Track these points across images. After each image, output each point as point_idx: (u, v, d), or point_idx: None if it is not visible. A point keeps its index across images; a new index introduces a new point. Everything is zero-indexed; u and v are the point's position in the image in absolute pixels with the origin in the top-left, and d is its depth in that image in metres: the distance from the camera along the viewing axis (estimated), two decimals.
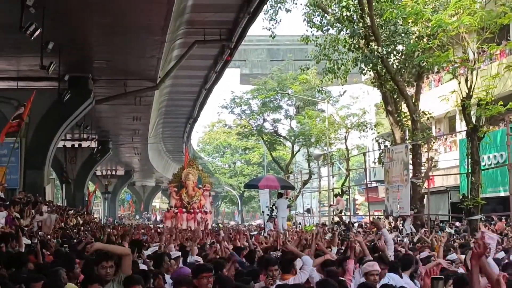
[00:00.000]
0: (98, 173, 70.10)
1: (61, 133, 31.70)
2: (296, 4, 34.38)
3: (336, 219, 34.40)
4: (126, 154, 61.15)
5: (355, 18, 26.58)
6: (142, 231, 25.81)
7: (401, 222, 26.50)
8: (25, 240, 13.66)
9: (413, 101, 27.80)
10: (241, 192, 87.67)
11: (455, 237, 21.16)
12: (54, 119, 29.65)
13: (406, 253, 12.02)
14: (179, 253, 11.68)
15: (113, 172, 74.71)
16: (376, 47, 25.26)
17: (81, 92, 29.51)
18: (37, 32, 19.41)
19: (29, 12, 18.48)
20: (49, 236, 17.18)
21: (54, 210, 26.04)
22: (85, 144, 44.25)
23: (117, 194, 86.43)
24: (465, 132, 23.32)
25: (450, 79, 28.96)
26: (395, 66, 27.22)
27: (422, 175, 27.20)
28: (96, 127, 42.39)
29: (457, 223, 27.86)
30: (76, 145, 44.24)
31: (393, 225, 28.36)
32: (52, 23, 20.56)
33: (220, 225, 46.08)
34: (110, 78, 30.79)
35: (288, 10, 31.67)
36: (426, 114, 28.67)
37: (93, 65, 28.97)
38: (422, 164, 27.89)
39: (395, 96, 28.49)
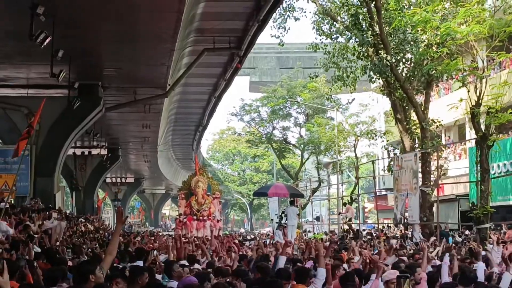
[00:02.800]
0: (108, 180, 70.25)
1: (71, 141, 31.81)
2: (305, 12, 34.40)
3: (346, 227, 34.37)
4: (135, 161, 61.28)
5: (364, 26, 26.59)
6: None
7: (410, 230, 26.46)
8: (36, 248, 13.71)
9: (422, 109, 27.74)
10: (250, 199, 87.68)
11: (461, 245, 21.13)
12: (64, 127, 29.77)
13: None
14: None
15: (123, 180, 74.83)
16: (385, 55, 25.25)
17: (91, 99, 29.60)
18: (47, 40, 19.52)
19: (39, 20, 18.58)
20: (58, 243, 17.21)
21: (63, 217, 26.15)
22: (95, 151, 44.43)
23: (127, 202, 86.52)
24: (474, 140, 23.26)
25: (460, 87, 28.89)
26: (404, 74, 27.18)
27: (432, 183, 27.13)
28: (105, 135, 42.51)
29: (467, 232, 27.78)
30: (86, 153, 44.45)
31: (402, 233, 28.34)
32: (62, 31, 20.65)
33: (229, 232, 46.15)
34: (120, 86, 30.89)
35: (296, 19, 31.68)
36: (436, 122, 28.61)
37: (103, 72, 29.06)
38: (432, 172, 27.82)
39: (404, 104, 28.44)
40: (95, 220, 37.48)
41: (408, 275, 6.59)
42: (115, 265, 10.36)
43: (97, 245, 19.50)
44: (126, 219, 8.15)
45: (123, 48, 25.23)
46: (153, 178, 77.52)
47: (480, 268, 10.76)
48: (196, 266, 11.88)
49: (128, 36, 23.44)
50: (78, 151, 44.22)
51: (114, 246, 8.05)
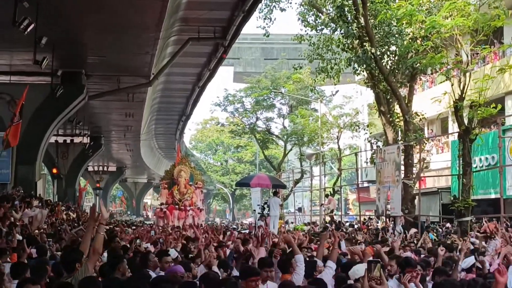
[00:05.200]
0: (90, 169, 70.03)
1: (53, 128, 31.62)
2: (290, 3, 34.32)
3: (328, 218, 34.48)
4: (118, 150, 61.12)
5: (349, 18, 26.60)
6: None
7: (392, 222, 26.59)
8: (17, 236, 13.67)
9: (406, 102, 27.81)
10: (232, 190, 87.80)
11: (440, 239, 21.26)
12: (46, 114, 29.57)
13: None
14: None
15: (105, 168, 74.66)
16: (369, 47, 25.26)
17: (74, 87, 29.46)
18: (31, 27, 19.38)
19: (22, 7, 18.45)
20: (36, 231, 17.14)
21: (45, 205, 26.01)
22: (77, 139, 44.20)
23: (109, 190, 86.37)
24: (457, 133, 23.36)
25: (443, 81, 29.01)
26: (388, 67, 27.21)
27: (414, 176, 27.22)
28: (88, 123, 42.35)
29: (448, 224, 27.95)
30: (68, 141, 44.20)
31: (384, 225, 28.47)
32: (46, 18, 20.51)
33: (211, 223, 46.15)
34: (103, 74, 30.75)
35: (282, 9, 31.61)
36: (419, 115, 28.70)
37: (86, 60, 28.92)
38: (414, 165, 27.92)
39: (388, 97, 28.49)
40: (74, 208, 37.30)
41: (379, 260, 6.60)
42: None
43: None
44: (99, 216, 7.50)
45: (107, 36, 25.09)
46: (135, 167, 77.38)
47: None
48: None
49: (112, 24, 23.32)
50: (60, 139, 43.96)
51: (99, 243, 7.45)
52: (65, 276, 7.41)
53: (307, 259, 10.17)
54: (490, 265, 11.06)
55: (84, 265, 7.15)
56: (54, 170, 47.22)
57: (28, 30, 19.38)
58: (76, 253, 7.69)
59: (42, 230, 17.57)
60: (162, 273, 9.33)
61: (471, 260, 11.09)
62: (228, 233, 20.69)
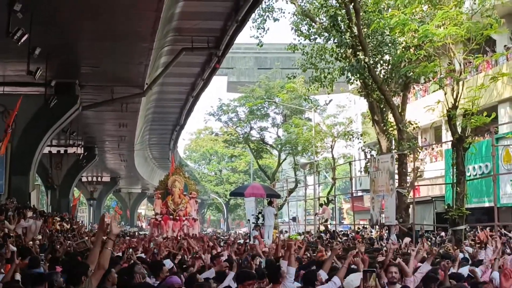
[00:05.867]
0: (84, 179, 69.84)
1: (47, 139, 31.56)
2: (284, 13, 34.43)
3: (322, 227, 34.45)
4: (112, 160, 60.99)
5: (342, 27, 26.68)
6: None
7: (387, 231, 26.59)
8: (11, 247, 13.62)
9: (399, 111, 27.89)
10: (227, 199, 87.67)
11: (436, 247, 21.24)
12: (40, 125, 29.52)
13: None
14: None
15: (99, 179, 74.46)
16: (363, 57, 25.33)
17: (67, 98, 29.41)
18: (25, 37, 19.36)
19: (16, 17, 18.43)
20: (31, 243, 17.09)
21: (39, 216, 25.94)
22: (71, 150, 44.11)
23: (103, 201, 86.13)
24: (450, 142, 23.41)
25: (436, 90, 29.08)
26: (381, 76, 27.28)
27: (408, 184, 27.27)
28: (82, 133, 42.28)
29: (442, 233, 27.96)
30: (62, 151, 44.09)
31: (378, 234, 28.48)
32: (40, 29, 20.50)
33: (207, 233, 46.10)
34: (97, 85, 30.71)
35: (276, 19, 31.69)
36: (412, 124, 28.79)
37: (80, 71, 28.89)
38: (408, 173, 27.97)
39: (381, 106, 28.56)
40: (68, 219, 37.18)
41: (375, 270, 6.60)
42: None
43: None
44: (108, 227, 7.15)
45: (100, 47, 25.09)
46: (129, 177, 77.22)
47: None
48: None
49: (106, 34, 23.31)
50: (54, 150, 43.87)
51: (105, 258, 7.03)
52: None
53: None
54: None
55: (88, 279, 7.01)
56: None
57: (22, 40, 19.36)
58: (83, 266, 7.57)
59: (37, 242, 17.51)
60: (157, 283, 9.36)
61: (466, 269, 11.10)
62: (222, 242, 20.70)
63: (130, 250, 14.96)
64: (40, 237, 19.75)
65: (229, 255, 13.70)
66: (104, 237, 7.21)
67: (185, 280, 9.77)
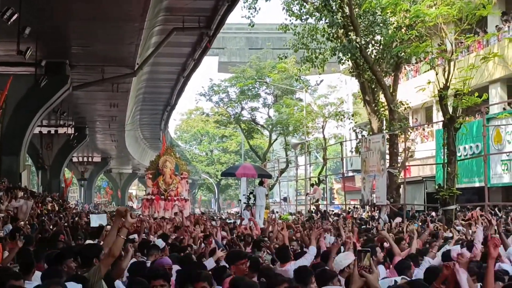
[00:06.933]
0: (75, 159, 69.80)
1: (38, 119, 31.49)
2: None
3: (313, 207, 34.57)
4: (102, 140, 60.94)
5: (334, 7, 26.60)
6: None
7: (378, 211, 26.71)
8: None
9: (391, 91, 27.91)
10: (218, 180, 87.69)
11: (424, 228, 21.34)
12: (30, 105, 29.44)
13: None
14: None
15: (90, 159, 74.44)
16: (354, 37, 25.30)
17: (58, 78, 29.33)
18: (14, 17, 19.27)
19: None
20: (22, 223, 17.05)
21: (29, 196, 25.89)
22: (61, 130, 44.08)
23: (94, 181, 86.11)
24: (441, 122, 23.45)
25: (428, 70, 29.12)
26: (373, 56, 27.27)
27: (399, 165, 27.35)
28: (73, 114, 42.17)
29: (433, 213, 28.09)
30: (53, 131, 44.06)
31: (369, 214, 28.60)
32: (30, 8, 20.38)
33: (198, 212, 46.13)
34: (88, 64, 30.62)
35: None
36: (403, 104, 28.81)
37: (70, 51, 28.78)
38: (399, 154, 28.04)
39: (372, 86, 28.56)
40: (60, 200, 37.20)
41: (369, 249, 6.62)
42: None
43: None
44: (126, 212, 6.94)
45: (91, 26, 24.99)
46: (120, 158, 77.15)
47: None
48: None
49: (96, 14, 23.21)
50: (45, 130, 43.81)
51: (117, 246, 6.76)
52: (84, 270, 7.16)
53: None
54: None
55: (98, 265, 6.75)
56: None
57: (12, 20, 19.28)
58: (96, 248, 7.53)
59: (26, 221, 17.49)
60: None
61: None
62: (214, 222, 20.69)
63: (109, 227, 14.47)
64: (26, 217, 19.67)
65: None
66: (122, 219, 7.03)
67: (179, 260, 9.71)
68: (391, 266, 9.81)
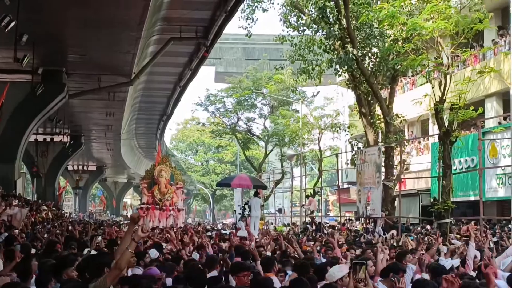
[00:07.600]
0: (70, 168, 69.62)
1: (33, 127, 31.45)
2: (273, 3, 34.39)
3: (308, 219, 34.51)
4: (98, 149, 60.83)
5: (331, 19, 26.66)
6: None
7: (372, 224, 26.67)
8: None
9: (387, 103, 27.96)
10: (213, 190, 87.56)
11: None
12: (26, 112, 29.38)
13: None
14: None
15: (85, 168, 74.23)
16: (351, 49, 25.34)
17: (54, 86, 29.31)
18: (12, 24, 19.25)
19: (3, 4, 18.31)
20: (16, 231, 16.99)
21: (24, 204, 25.84)
22: (57, 138, 43.95)
23: (88, 190, 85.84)
24: (437, 135, 23.49)
25: (424, 83, 29.15)
26: (369, 69, 27.32)
27: (394, 177, 27.36)
28: (68, 122, 42.13)
29: (428, 226, 28.06)
30: (48, 139, 43.91)
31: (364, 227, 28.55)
32: (27, 16, 20.38)
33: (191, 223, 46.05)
34: (84, 73, 30.62)
35: (264, 10, 31.56)
36: (399, 117, 28.86)
37: (67, 59, 28.78)
38: (394, 166, 28.06)
39: (369, 98, 28.61)
40: (54, 208, 37.09)
41: (365, 262, 6.57)
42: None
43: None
44: (139, 219, 6.86)
45: (88, 35, 25.00)
46: (115, 167, 76.99)
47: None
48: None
49: (94, 22, 23.22)
50: (40, 138, 43.65)
51: (125, 259, 6.54)
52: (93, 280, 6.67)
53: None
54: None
55: (103, 278, 6.45)
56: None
57: (9, 27, 19.25)
58: (107, 256, 7.28)
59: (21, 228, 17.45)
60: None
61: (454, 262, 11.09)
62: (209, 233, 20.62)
63: (99, 238, 14.23)
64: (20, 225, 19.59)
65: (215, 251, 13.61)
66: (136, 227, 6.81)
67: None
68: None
